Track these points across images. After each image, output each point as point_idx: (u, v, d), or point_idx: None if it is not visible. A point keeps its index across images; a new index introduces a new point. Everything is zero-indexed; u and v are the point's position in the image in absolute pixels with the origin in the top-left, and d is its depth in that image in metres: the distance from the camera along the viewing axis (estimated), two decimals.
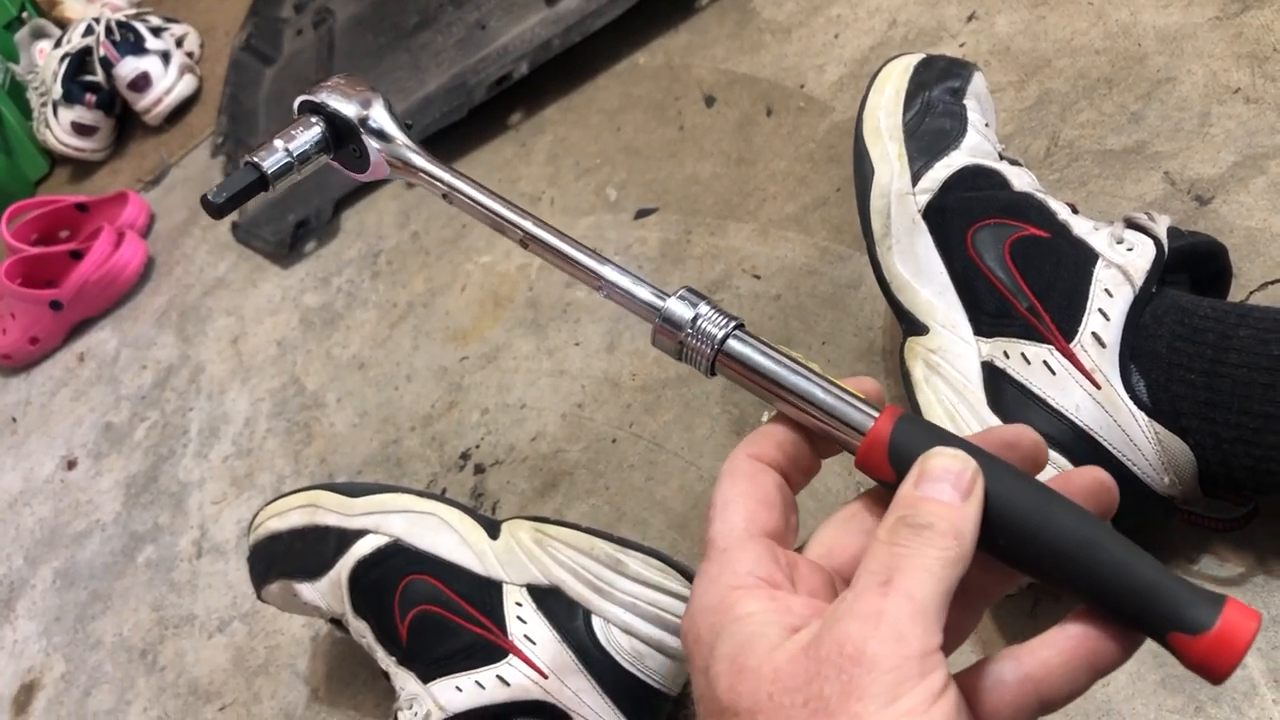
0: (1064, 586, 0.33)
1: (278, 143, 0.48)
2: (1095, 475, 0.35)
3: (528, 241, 0.44)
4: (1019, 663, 0.34)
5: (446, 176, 0.47)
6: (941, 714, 0.29)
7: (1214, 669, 0.31)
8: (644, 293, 0.40)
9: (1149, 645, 0.33)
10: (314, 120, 0.49)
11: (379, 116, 0.48)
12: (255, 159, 0.48)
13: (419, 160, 0.48)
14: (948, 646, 0.36)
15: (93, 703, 0.98)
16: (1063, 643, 0.33)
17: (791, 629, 0.32)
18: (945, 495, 0.33)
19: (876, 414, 0.36)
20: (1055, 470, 0.55)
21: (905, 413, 0.36)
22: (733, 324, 0.39)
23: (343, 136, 0.49)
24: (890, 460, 0.35)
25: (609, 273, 0.41)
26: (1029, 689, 0.33)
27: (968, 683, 0.34)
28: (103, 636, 1.02)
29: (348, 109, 0.48)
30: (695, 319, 0.39)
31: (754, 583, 0.34)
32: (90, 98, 1.60)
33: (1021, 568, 0.34)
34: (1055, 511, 0.33)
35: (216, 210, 0.48)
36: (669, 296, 0.39)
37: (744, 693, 0.31)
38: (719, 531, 0.36)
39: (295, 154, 0.48)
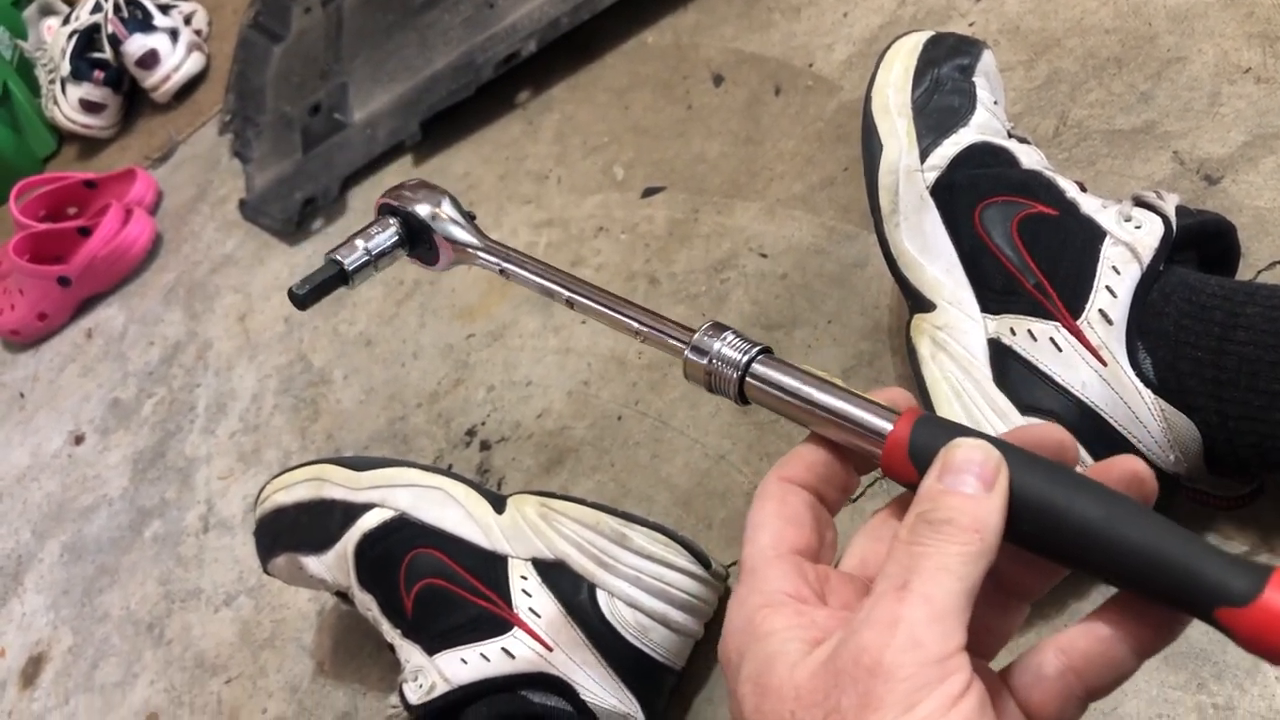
0: (1096, 572, 0.32)
1: (358, 241, 0.54)
2: (1130, 466, 0.34)
3: (567, 299, 0.48)
4: (1060, 654, 0.33)
5: (510, 266, 0.52)
6: (960, 718, 0.29)
7: (1268, 643, 0.28)
8: (672, 329, 0.43)
9: None
10: (391, 221, 0.54)
11: (449, 217, 0.54)
12: (337, 256, 0.53)
13: (486, 256, 0.53)
14: (990, 647, 0.36)
15: (100, 675, 0.98)
16: (1102, 630, 0.32)
17: (814, 642, 0.32)
18: (968, 487, 0.32)
19: (897, 417, 0.36)
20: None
21: (926, 414, 0.36)
22: (756, 349, 0.40)
23: (416, 235, 0.54)
24: (912, 461, 0.35)
25: (639, 316, 0.45)
26: (1072, 680, 0.33)
27: (1011, 678, 0.34)
28: (110, 610, 1.03)
29: (422, 210, 0.54)
30: (720, 348, 0.40)
31: (781, 599, 0.34)
32: (98, 75, 1.60)
33: (1050, 555, 0.33)
34: (1079, 494, 0.32)
35: (300, 301, 0.53)
36: (695, 332, 0.42)
37: (767, 712, 0.31)
38: (747, 554, 0.36)
39: (374, 252, 0.54)
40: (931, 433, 0.35)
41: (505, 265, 0.51)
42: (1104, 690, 0.33)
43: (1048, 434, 0.36)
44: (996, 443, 0.34)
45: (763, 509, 0.37)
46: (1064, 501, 0.32)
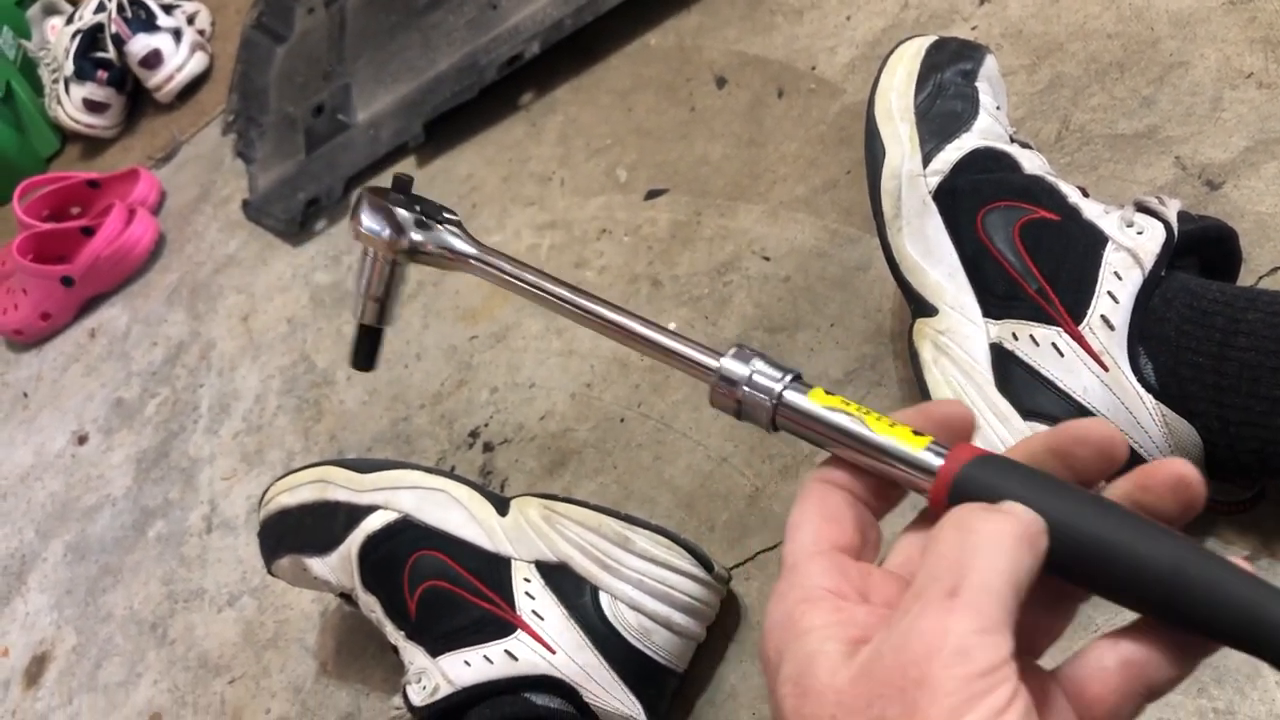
0: (1158, 618, 0.32)
1: (361, 294, 0.54)
2: (1174, 471, 0.33)
3: (581, 317, 0.46)
4: (1118, 648, 0.32)
5: (510, 276, 0.49)
6: None
7: None
8: (697, 354, 0.41)
9: None
10: (370, 254, 0.54)
11: (413, 237, 0.51)
12: (359, 320, 0.55)
13: (471, 251, 0.51)
14: (1040, 644, 0.36)
15: (103, 675, 0.99)
16: (1157, 630, 0.32)
17: (854, 641, 0.32)
18: None
19: (945, 453, 0.35)
20: None
21: (974, 458, 0.34)
22: (789, 376, 0.38)
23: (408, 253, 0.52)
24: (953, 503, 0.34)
25: (661, 339, 0.42)
26: (1133, 673, 0.32)
27: (1064, 674, 0.33)
28: (113, 609, 1.03)
29: (385, 249, 0.52)
30: (751, 375, 0.39)
31: (820, 595, 0.33)
32: (102, 74, 1.61)
33: (1111, 600, 0.33)
34: (1140, 546, 0.31)
35: (365, 369, 0.56)
36: (722, 356, 0.40)
37: (808, 716, 0.31)
38: (788, 551, 0.36)
39: (381, 293, 0.54)
40: (982, 478, 0.34)
41: (505, 276, 0.49)
42: (1163, 688, 0.32)
43: (1091, 431, 0.35)
44: (1048, 485, 0.33)
45: (803, 507, 0.37)
46: (1124, 556, 0.31)
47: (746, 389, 0.39)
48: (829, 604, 0.33)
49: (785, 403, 0.38)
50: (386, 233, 0.51)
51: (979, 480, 0.34)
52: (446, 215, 0.53)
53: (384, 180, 1.20)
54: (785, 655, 0.33)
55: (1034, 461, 0.35)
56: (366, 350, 0.55)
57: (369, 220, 0.52)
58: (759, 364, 0.39)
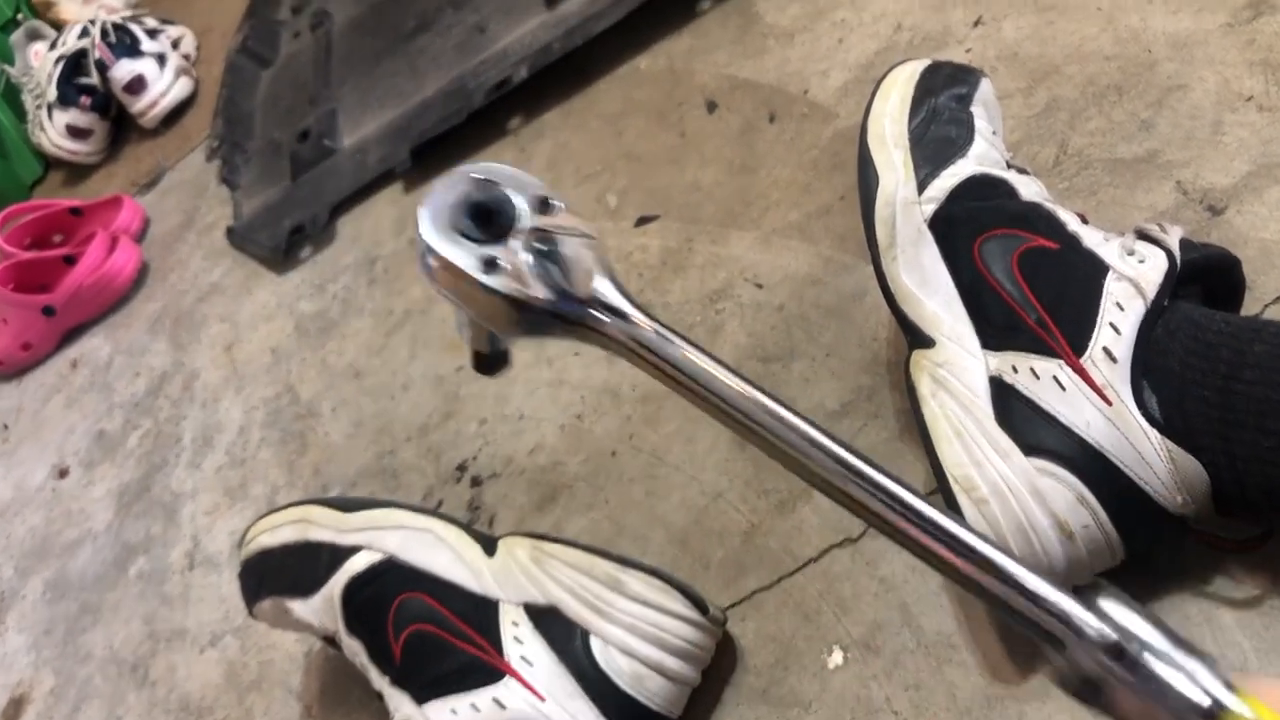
0: None
1: (466, 341, 0.54)
2: None
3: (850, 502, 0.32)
4: None
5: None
6: None
7: None
8: (1057, 598, 0.26)
9: None
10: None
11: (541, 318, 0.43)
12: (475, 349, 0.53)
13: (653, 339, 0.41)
14: None
15: (82, 718, 0.96)
16: None
17: None
18: None
19: None
20: (1071, 493, 0.54)
21: None
22: (1215, 678, 0.25)
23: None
24: None
25: (1005, 564, 0.28)
26: None
27: None
28: (93, 650, 1.01)
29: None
30: (1150, 665, 0.25)
31: None
32: (85, 100, 1.59)
33: None
34: None
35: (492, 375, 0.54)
36: (1091, 604, 0.26)
37: None
38: None
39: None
40: None
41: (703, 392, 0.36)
42: None
43: None
44: None
45: None
46: None
47: (1145, 686, 0.25)
48: None
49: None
50: (493, 323, 0.43)
51: None
52: (577, 250, 0.39)
53: (372, 210, 1.19)
54: None
55: None
56: (487, 364, 0.54)
57: (457, 302, 0.42)
58: (1163, 643, 0.24)
